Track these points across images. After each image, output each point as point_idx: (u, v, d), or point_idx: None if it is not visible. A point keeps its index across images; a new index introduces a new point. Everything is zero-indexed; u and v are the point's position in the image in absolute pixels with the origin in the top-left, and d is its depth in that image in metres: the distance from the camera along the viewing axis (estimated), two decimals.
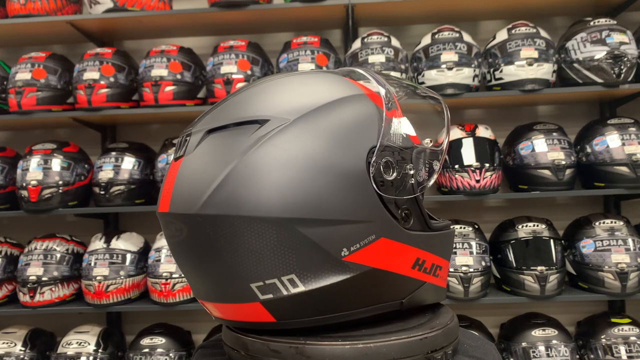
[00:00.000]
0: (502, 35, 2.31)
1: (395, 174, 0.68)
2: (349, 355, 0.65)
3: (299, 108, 0.67)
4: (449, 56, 2.23)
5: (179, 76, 2.34)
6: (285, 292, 0.65)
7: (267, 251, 0.63)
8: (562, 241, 2.29)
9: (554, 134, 2.28)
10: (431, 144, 0.73)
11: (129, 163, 2.38)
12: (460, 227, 2.27)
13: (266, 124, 0.65)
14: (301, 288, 0.64)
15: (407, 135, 0.71)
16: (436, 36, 2.31)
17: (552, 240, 2.23)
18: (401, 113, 0.72)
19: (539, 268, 2.15)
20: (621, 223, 2.23)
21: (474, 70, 2.25)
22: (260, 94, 0.71)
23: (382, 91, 0.72)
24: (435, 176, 0.73)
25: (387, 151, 0.68)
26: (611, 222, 2.24)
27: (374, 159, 0.66)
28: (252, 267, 0.64)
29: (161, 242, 2.33)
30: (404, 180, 0.69)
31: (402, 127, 0.71)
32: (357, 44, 2.37)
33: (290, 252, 0.63)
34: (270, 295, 0.65)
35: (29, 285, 2.27)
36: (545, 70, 2.20)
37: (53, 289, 2.30)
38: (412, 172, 0.70)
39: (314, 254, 0.64)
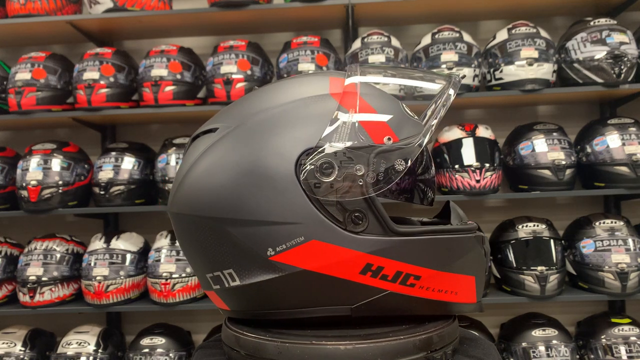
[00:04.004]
0: (502, 35, 2.31)
1: (336, 175, 0.65)
2: (272, 350, 0.67)
3: (247, 114, 0.71)
4: (449, 56, 2.23)
5: (178, 76, 2.34)
6: (227, 285, 0.70)
7: (209, 246, 0.69)
8: (562, 241, 2.29)
9: (554, 134, 2.28)
10: (392, 142, 0.67)
11: (128, 163, 2.38)
12: None
13: (216, 131, 0.72)
14: (237, 282, 0.69)
15: (367, 135, 0.67)
16: (436, 36, 2.31)
17: (552, 240, 2.23)
18: (372, 109, 0.69)
19: (539, 268, 2.15)
20: (621, 223, 2.23)
21: (474, 70, 2.25)
22: (234, 103, 0.77)
23: (343, 89, 0.70)
24: (397, 176, 0.66)
25: (329, 152, 0.65)
26: (611, 222, 2.24)
27: (306, 160, 0.65)
28: (203, 260, 0.72)
29: (161, 242, 2.33)
30: (350, 182, 0.66)
31: (360, 126, 0.67)
32: (357, 44, 2.37)
33: (225, 249, 0.68)
34: (219, 286, 0.72)
35: (28, 286, 2.27)
36: (545, 70, 2.20)
37: (53, 289, 2.29)
38: (360, 172, 0.66)
39: (245, 252, 0.67)
